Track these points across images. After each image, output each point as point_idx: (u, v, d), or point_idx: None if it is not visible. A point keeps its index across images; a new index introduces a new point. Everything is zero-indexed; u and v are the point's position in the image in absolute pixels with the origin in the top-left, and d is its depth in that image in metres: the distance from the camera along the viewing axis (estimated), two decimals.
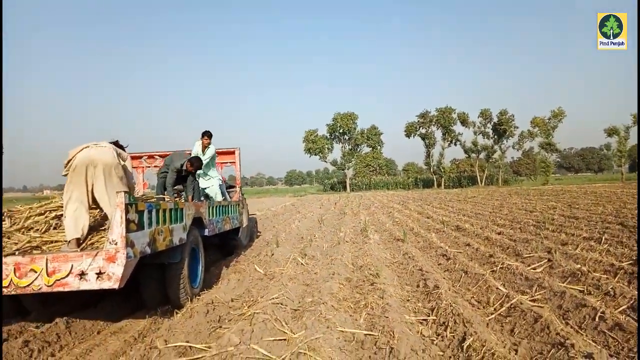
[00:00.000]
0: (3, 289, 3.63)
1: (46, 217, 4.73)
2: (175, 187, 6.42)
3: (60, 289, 3.64)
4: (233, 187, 9.46)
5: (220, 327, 4.03)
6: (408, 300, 4.80)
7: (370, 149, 63.56)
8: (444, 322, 3.85)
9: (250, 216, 10.27)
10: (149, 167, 9.38)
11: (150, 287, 4.82)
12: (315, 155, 58.00)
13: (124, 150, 4.85)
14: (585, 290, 4.58)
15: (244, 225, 9.11)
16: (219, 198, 7.69)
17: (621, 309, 3.87)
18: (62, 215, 4.43)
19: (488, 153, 55.47)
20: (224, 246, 8.47)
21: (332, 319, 3.87)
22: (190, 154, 7.13)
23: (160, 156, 9.03)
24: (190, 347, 3.48)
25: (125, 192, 3.80)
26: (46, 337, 3.85)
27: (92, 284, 3.59)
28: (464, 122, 55.18)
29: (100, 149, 4.27)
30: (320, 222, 13.27)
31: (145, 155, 9.33)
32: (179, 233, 4.84)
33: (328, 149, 58.32)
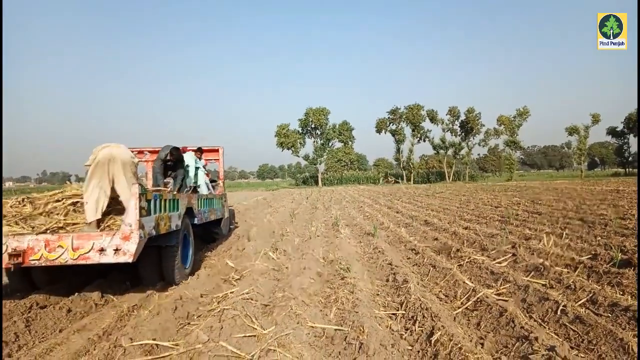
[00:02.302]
0: (35, 261, 4.29)
1: (63, 203, 5.36)
2: (166, 180, 7.22)
3: (83, 262, 4.33)
4: (215, 181, 10.15)
5: (189, 323, 3.95)
6: (378, 294, 4.84)
7: (342, 144, 63.81)
8: (412, 317, 3.90)
9: (229, 208, 10.88)
10: (140, 161, 9.42)
11: (149, 267, 5.45)
12: (288, 149, 57.73)
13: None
14: (548, 284, 4.73)
15: (225, 217, 9.82)
16: (204, 191, 8.56)
17: (581, 302, 4.01)
18: (76, 202, 5.31)
19: (455, 149, 56.65)
20: (206, 235, 8.99)
21: (302, 315, 3.86)
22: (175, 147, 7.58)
23: (150, 151, 9.45)
24: (157, 345, 3.40)
25: (139, 184, 4.53)
26: (4, 336, 3.67)
27: (110, 258, 4.30)
28: (433, 119, 56.12)
29: (119, 148, 5.06)
30: (292, 216, 13.23)
31: (136, 151, 9.31)
32: (175, 220, 5.53)
33: (300, 143, 58.15)
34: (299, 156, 59.72)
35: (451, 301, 4.51)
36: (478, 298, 4.24)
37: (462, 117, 55.15)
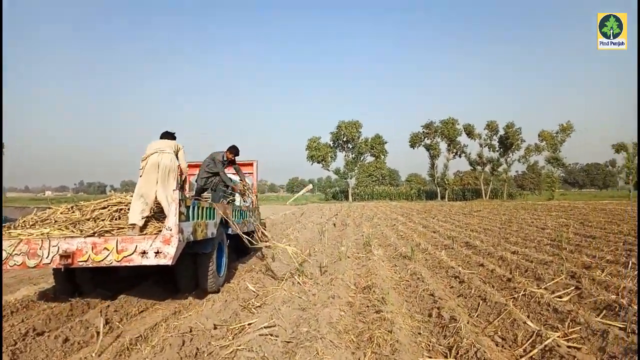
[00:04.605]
0: (83, 262, 4.53)
1: (109, 210, 5.63)
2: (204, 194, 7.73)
3: (127, 263, 4.56)
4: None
5: None
6: (419, 333, 4.12)
7: (374, 158, 62.86)
8: None
9: (261, 221, 10.75)
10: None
11: (185, 274, 5.69)
12: (318, 163, 57.30)
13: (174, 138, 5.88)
14: (629, 329, 3.89)
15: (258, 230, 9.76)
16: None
17: None
18: (120, 209, 5.58)
19: (493, 166, 54.66)
20: (238, 248, 8.84)
21: None
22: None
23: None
24: None
25: (179, 190, 4.80)
26: None
27: (151, 260, 4.50)
28: (470, 133, 54.43)
29: (165, 155, 5.28)
30: (321, 233, 12.58)
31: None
32: (211, 228, 5.69)
33: (331, 157, 57.62)
34: (329, 170, 59.20)
35: (510, 346, 3.75)
36: (546, 345, 3.46)
37: (501, 132, 53.26)
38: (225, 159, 7.70)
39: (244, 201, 9.09)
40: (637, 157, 46.85)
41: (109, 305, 4.98)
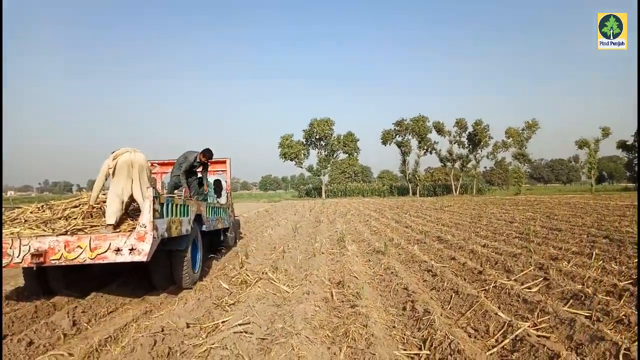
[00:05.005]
0: (55, 261, 4.48)
1: (80, 208, 5.58)
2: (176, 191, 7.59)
3: (101, 261, 4.53)
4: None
5: None
6: (394, 326, 4.15)
7: (347, 155, 63.13)
8: (441, 359, 3.21)
9: (235, 218, 11.03)
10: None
11: (160, 271, 5.67)
12: (291, 160, 57.10)
13: None
14: (594, 317, 4.04)
15: (232, 227, 10.01)
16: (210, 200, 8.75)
17: None
18: (93, 207, 5.52)
19: (463, 162, 55.80)
20: (213, 244, 8.92)
21: (306, 356, 3.17)
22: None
23: (159, 164, 9.53)
24: None
25: (153, 187, 4.85)
26: None
27: (125, 257, 4.50)
28: (440, 131, 55.35)
29: (137, 154, 5.29)
30: (295, 230, 12.54)
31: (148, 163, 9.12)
32: (185, 225, 5.72)
33: (304, 154, 57.52)
34: (302, 167, 59.11)
35: (482, 337, 3.81)
36: (517, 335, 3.53)
37: (470, 129, 54.39)
38: (198, 160, 7.76)
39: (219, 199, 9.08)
40: (637, 156, 48.72)
41: (76, 306, 4.82)
